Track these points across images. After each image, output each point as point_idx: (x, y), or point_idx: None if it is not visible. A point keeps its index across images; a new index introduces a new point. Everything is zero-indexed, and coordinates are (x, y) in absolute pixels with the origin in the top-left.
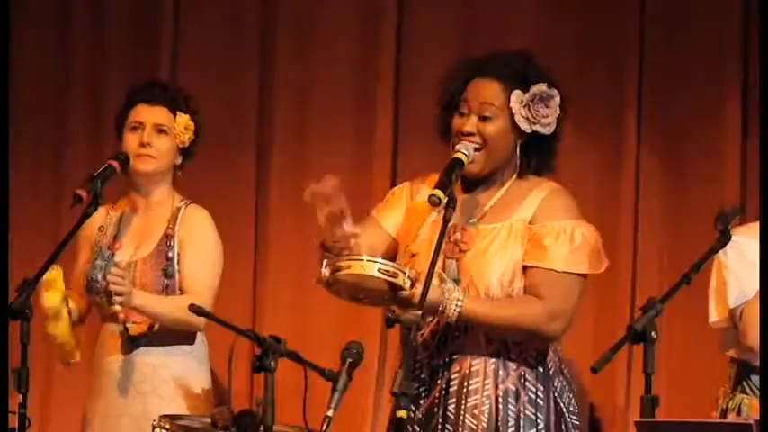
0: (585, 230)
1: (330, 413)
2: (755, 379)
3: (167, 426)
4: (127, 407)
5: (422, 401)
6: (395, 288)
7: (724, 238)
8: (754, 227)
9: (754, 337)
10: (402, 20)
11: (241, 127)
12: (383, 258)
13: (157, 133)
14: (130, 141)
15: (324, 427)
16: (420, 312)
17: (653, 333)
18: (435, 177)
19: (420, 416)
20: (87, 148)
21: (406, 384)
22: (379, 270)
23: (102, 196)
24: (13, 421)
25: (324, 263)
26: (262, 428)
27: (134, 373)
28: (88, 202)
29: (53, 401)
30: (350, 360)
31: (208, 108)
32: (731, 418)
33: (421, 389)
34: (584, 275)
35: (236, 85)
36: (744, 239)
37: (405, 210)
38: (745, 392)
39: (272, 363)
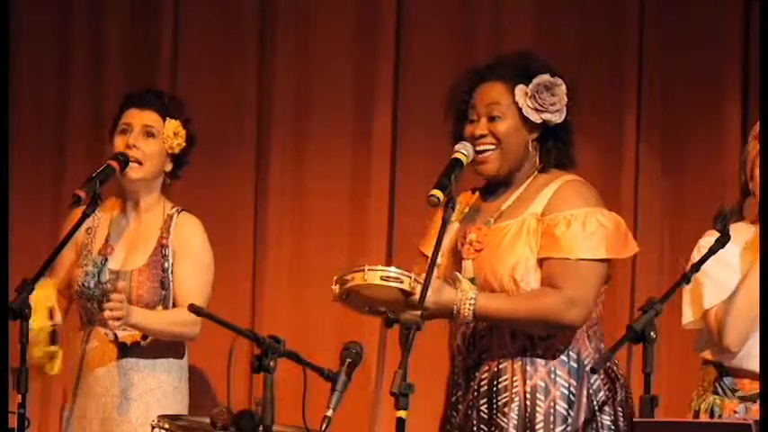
0: (601, 216)
1: (329, 413)
2: (728, 380)
3: (166, 426)
4: (110, 410)
5: (460, 406)
6: (406, 294)
7: (723, 238)
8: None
9: (731, 337)
10: (401, 20)
11: (241, 127)
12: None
13: (145, 136)
14: (118, 143)
15: (323, 427)
16: (419, 313)
17: (652, 333)
18: (467, 194)
19: (459, 420)
20: (87, 148)
21: (405, 384)
22: (381, 278)
23: (100, 197)
24: (13, 421)
25: (333, 279)
26: (261, 428)
27: (122, 378)
28: (87, 202)
29: (53, 401)
30: (349, 360)
31: (207, 108)
32: (703, 419)
33: (458, 393)
34: (603, 261)
35: (236, 85)
36: None
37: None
38: (717, 394)
39: (272, 363)
